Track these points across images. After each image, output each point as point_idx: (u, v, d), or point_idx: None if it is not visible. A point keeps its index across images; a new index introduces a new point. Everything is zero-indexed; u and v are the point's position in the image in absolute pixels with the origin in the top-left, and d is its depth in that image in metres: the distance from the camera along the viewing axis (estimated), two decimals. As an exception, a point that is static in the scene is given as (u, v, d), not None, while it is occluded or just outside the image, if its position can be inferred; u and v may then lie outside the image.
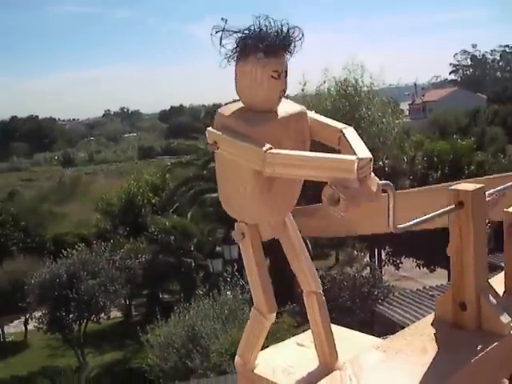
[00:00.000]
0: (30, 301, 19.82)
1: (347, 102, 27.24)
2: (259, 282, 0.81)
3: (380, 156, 24.85)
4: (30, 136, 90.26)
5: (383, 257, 25.69)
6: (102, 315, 20.59)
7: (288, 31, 0.79)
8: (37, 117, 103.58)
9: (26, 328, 22.68)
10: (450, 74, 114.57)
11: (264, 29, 0.78)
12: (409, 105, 79.24)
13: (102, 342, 20.96)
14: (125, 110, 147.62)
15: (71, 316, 19.50)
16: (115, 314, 22.92)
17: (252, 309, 0.85)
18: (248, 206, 0.85)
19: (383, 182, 0.80)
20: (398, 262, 25.08)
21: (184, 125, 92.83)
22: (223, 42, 0.81)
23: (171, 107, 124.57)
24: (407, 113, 71.95)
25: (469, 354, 0.73)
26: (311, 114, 0.90)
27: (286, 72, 0.85)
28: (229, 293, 14.62)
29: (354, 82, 27.74)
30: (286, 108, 0.82)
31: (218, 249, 18.95)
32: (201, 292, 17.26)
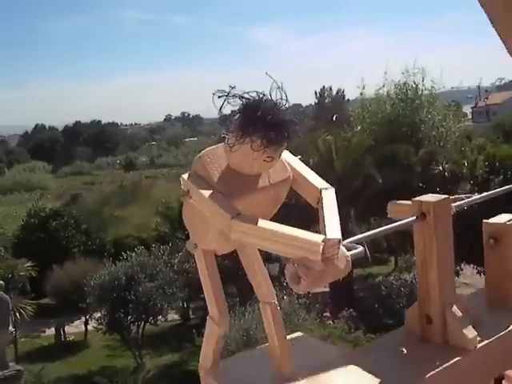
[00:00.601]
0: (89, 302, 20.25)
1: (407, 105, 26.96)
2: (211, 291, 0.82)
3: (440, 160, 24.45)
4: (93, 140, 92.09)
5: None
6: (160, 317, 20.85)
7: (291, 122, 0.77)
8: (100, 121, 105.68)
9: (86, 328, 23.14)
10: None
11: (269, 114, 0.77)
12: (471, 108, 77.74)
13: (159, 343, 21.19)
14: (186, 114, 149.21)
15: (129, 317, 19.83)
16: (173, 316, 23.16)
17: (208, 317, 0.86)
18: (208, 243, 0.85)
19: (354, 252, 0.79)
20: (459, 268, 24.59)
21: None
22: (224, 107, 0.81)
23: (231, 111, 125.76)
24: (470, 116, 70.66)
25: (429, 368, 0.71)
26: (296, 165, 0.89)
27: (280, 154, 0.84)
28: (285, 297, 14.62)
29: (414, 85, 27.43)
30: (271, 174, 0.80)
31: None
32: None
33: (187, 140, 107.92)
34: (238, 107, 0.79)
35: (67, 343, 23.12)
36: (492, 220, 0.91)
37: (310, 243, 0.76)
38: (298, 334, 0.89)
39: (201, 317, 23.01)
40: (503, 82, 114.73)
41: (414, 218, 0.78)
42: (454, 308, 0.78)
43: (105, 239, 31.06)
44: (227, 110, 0.85)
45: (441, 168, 23.65)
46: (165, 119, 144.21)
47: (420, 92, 27.20)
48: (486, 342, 0.78)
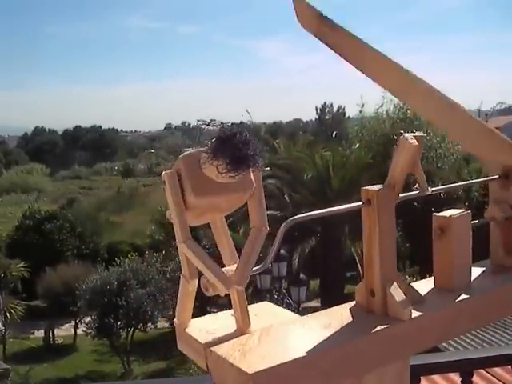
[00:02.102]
0: (80, 305, 20.29)
1: (406, 125, 27.17)
2: (185, 256, 0.93)
3: (436, 181, 24.62)
4: (93, 145, 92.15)
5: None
6: (150, 324, 20.87)
7: (254, 156, 0.89)
8: (100, 127, 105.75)
9: (75, 332, 23.13)
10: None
11: (236, 147, 0.89)
12: (471, 131, 78.35)
13: (147, 350, 21.21)
14: (186, 124, 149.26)
15: (119, 323, 19.86)
16: (163, 324, 23.17)
17: (181, 276, 0.97)
18: None
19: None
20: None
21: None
22: (204, 132, 0.92)
23: (232, 123, 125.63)
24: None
25: (366, 332, 0.83)
26: (257, 189, 1.00)
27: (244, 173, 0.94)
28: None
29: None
30: (238, 182, 0.92)
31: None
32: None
33: (186, 149, 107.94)
34: (216, 134, 0.92)
35: (56, 346, 23.10)
36: (439, 214, 1.03)
37: (218, 284, 0.90)
38: (265, 303, 1.02)
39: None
40: (503, 106, 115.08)
41: (361, 203, 0.90)
42: (395, 284, 0.89)
43: (99, 244, 31.13)
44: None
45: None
46: (165, 128, 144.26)
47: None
48: (420, 314, 0.89)
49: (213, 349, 0.84)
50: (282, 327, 0.89)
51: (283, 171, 25.15)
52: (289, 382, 0.78)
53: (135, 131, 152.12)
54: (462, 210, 0.98)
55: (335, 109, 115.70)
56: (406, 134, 0.94)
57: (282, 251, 19.23)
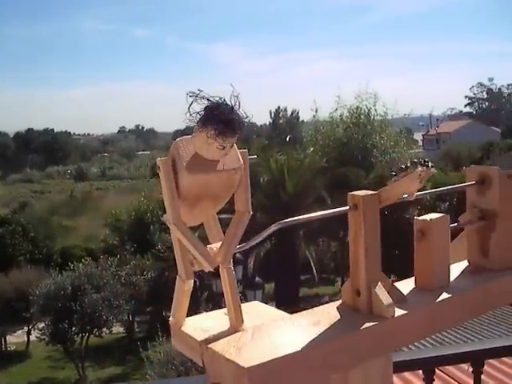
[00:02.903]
0: (33, 311, 19.99)
1: (360, 129, 27.53)
2: (180, 256, 0.97)
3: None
4: (45, 149, 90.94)
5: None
6: (105, 329, 20.69)
7: (240, 121, 0.94)
8: (52, 130, 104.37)
9: (28, 338, 22.77)
10: (465, 106, 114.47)
11: (223, 112, 0.94)
12: (422, 135, 79.52)
13: (102, 356, 21.02)
14: (140, 127, 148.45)
15: (74, 328, 19.63)
16: (118, 329, 22.99)
17: (177, 277, 1.01)
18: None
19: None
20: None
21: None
22: (192, 106, 0.96)
23: (186, 127, 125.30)
24: (421, 143, 72.19)
25: (353, 328, 0.88)
26: (244, 173, 1.04)
27: (232, 144, 0.98)
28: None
29: (366, 110, 28.03)
30: (226, 162, 0.97)
31: (222, 269, 19.04)
32: (204, 311, 17.35)
33: (140, 153, 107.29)
34: (203, 106, 0.96)
35: (8, 353, 22.72)
36: (421, 217, 1.08)
37: (203, 262, 0.96)
38: (255, 302, 1.06)
39: (145, 330, 22.92)
40: (454, 111, 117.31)
41: (348, 207, 0.95)
42: (379, 284, 0.94)
43: (52, 248, 30.71)
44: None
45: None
46: (118, 131, 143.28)
47: (372, 117, 27.82)
48: (403, 312, 0.94)
49: (209, 345, 0.88)
50: (273, 324, 0.94)
51: (238, 175, 25.28)
52: (281, 376, 0.83)
53: (88, 134, 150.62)
54: (441, 214, 1.04)
55: (289, 113, 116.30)
56: (420, 168, 0.99)
57: (237, 255, 19.34)
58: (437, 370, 2.75)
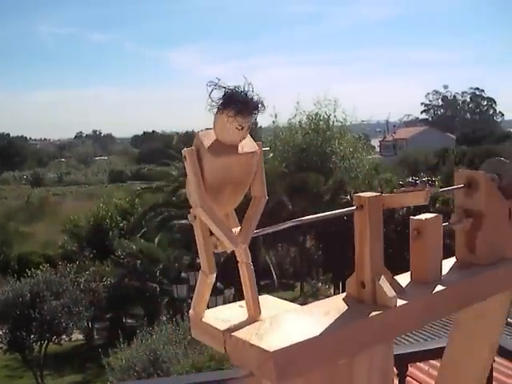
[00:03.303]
0: (-10, 319, 19.66)
1: (319, 136, 27.75)
2: (204, 251, 1.03)
3: (348, 190, 25.28)
4: (0, 153, 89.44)
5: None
6: (64, 337, 20.46)
7: (255, 102, 1.03)
8: (8, 135, 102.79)
9: (-16, 347, 22.38)
10: (421, 113, 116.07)
11: (240, 94, 1.03)
12: (379, 141, 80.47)
13: (62, 364, 20.77)
14: (97, 132, 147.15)
15: (32, 336, 19.37)
16: (77, 336, 22.75)
17: (200, 271, 1.07)
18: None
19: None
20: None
21: (156, 151, 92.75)
22: (212, 94, 1.04)
23: (144, 133, 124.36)
24: (378, 149, 73.07)
25: (360, 318, 0.97)
26: (259, 162, 1.12)
27: (249, 126, 1.07)
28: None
29: (326, 116, 28.28)
30: (243, 146, 1.05)
31: (183, 274, 19.01)
32: (164, 317, 17.31)
33: (97, 159, 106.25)
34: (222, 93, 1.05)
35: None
36: (416, 217, 1.18)
37: (226, 242, 1.03)
38: (266, 295, 1.13)
39: (105, 337, 22.75)
40: (410, 118, 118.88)
41: (355, 208, 1.03)
42: (382, 277, 1.02)
43: (9, 255, 30.30)
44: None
45: (349, 197, 24.39)
46: (75, 136, 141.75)
47: (332, 123, 28.07)
48: (404, 302, 1.03)
49: (232, 334, 0.95)
50: (288, 314, 1.02)
51: (199, 180, 25.27)
52: (300, 359, 0.91)
53: (45, 139, 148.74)
54: (434, 214, 1.13)
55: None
56: (427, 188, 1.07)
57: (198, 260, 19.31)
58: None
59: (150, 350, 13.15)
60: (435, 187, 1.08)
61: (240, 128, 1.03)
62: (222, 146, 1.04)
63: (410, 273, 1.14)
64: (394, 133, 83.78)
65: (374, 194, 1.04)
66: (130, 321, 24.09)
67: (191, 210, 1.06)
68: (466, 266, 1.20)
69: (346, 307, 1.00)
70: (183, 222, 25.03)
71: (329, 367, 0.99)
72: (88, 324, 23.55)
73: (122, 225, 29.83)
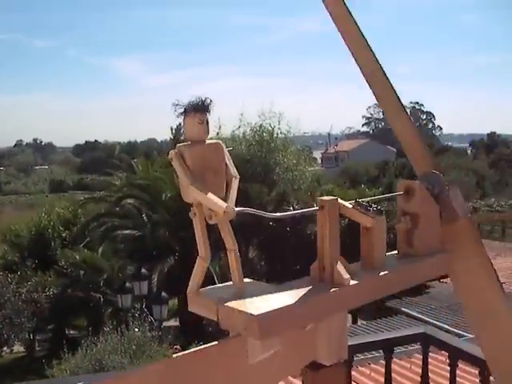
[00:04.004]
0: None
1: (263, 147, 28.05)
2: (202, 242, 1.25)
3: (291, 201, 25.67)
4: None
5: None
6: (5, 348, 20.22)
7: (206, 102, 1.29)
8: None
9: None
10: (362, 126, 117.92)
11: (195, 100, 1.29)
12: (322, 153, 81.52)
13: (2, 376, 20.47)
14: (38, 141, 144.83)
15: (-27, 348, 19.13)
16: (18, 348, 22.46)
17: (198, 258, 1.29)
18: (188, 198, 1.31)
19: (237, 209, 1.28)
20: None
21: (98, 160, 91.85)
22: (178, 108, 1.30)
23: (86, 142, 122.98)
24: (320, 161, 74.08)
25: (322, 292, 1.21)
26: (225, 151, 1.37)
27: (207, 121, 1.32)
28: (136, 329, 14.67)
29: (270, 128, 28.61)
30: (208, 141, 1.30)
31: (128, 284, 18.97)
32: (108, 328, 17.24)
33: (38, 168, 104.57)
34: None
35: None
36: None
37: (218, 207, 1.24)
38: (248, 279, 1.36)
39: (47, 348, 22.50)
40: (352, 130, 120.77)
41: (317, 208, 1.28)
42: (339, 262, 1.27)
43: None
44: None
45: (291, 208, 24.77)
46: (15, 144, 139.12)
47: (276, 135, 28.42)
48: (355, 282, 1.28)
49: (224, 304, 1.18)
50: (266, 289, 1.26)
51: (141, 191, 25.24)
52: (278, 322, 1.16)
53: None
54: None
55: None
56: (378, 218, 1.34)
57: (143, 270, 19.33)
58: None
59: (95, 359, 13.18)
60: (382, 216, 1.34)
61: (201, 122, 1.30)
62: (195, 142, 1.28)
63: (360, 262, 1.39)
64: (336, 145, 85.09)
65: (333, 198, 1.28)
66: (72, 332, 23.89)
67: (191, 208, 1.28)
68: (404, 256, 1.46)
69: (311, 285, 1.25)
70: (126, 232, 25.02)
71: (299, 330, 1.25)
72: (29, 335, 23.28)
73: (64, 235, 29.49)
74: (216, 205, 1.22)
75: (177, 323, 23.88)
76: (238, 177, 1.37)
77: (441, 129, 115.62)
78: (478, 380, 3.67)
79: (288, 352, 1.31)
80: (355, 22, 1.69)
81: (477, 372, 3.79)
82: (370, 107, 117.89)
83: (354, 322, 20.62)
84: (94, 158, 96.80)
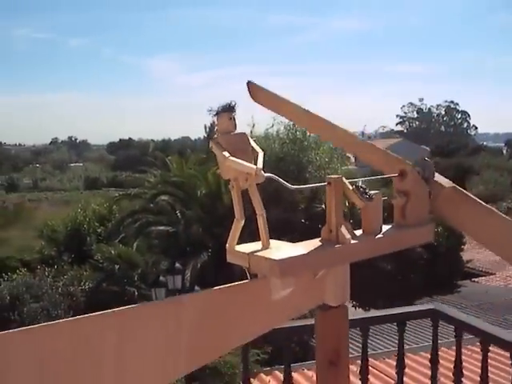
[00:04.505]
0: (-31, 322, 19.93)
1: (296, 145, 28.24)
2: (238, 204, 1.57)
3: (323, 200, 25.85)
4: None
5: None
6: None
7: (232, 104, 1.60)
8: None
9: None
10: (396, 125, 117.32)
11: (225, 104, 1.62)
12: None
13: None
14: (73, 139, 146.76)
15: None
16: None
17: (235, 219, 1.60)
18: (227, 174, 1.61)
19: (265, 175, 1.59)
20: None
21: (132, 158, 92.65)
22: (211, 113, 1.63)
23: (120, 140, 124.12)
24: (353, 160, 73.98)
25: (329, 248, 1.55)
26: (250, 137, 1.69)
27: (234, 117, 1.61)
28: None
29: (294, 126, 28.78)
30: (236, 132, 1.61)
31: (161, 278, 19.41)
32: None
33: (73, 165, 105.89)
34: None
35: None
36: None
37: (250, 169, 1.55)
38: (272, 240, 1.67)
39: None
40: (385, 129, 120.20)
41: (326, 183, 1.61)
42: (343, 226, 1.57)
43: (-15, 260, 30.45)
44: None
45: (323, 206, 24.94)
46: (51, 142, 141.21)
47: (309, 134, 28.58)
48: (356, 241, 1.59)
49: (254, 254, 1.54)
50: (285, 245, 1.62)
51: (176, 188, 25.61)
52: (294, 266, 1.52)
53: (19, 144, 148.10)
54: (377, 191, 1.70)
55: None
56: (367, 202, 1.67)
57: (177, 264, 19.75)
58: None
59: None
60: (372, 201, 1.65)
61: (230, 119, 1.61)
62: (227, 133, 1.60)
63: (361, 229, 1.71)
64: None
65: (338, 176, 1.61)
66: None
67: (229, 182, 1.60)
68: (398, 226, 1.79)
69: (321, 243, 1.57)
70: (161, 228, 25.45)
71: (310, 277, 1.61)
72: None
73: (99, 230, 30.16)
74: (249, 167, 1.54)
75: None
76: (262, 152, 1.68)
77: (476, 128, 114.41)
78: (479, 349, 4.02)
79: (302, 295, 1.67)
80: (288, 101, 2.27)
81: (478, 341, 4.18)
82: (404, 106, 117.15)
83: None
84: (128, 155, 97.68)
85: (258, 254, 1.54)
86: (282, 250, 1.53)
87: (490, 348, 4.19)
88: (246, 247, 1.58)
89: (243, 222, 1.59)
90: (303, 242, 1.59)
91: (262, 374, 8.58)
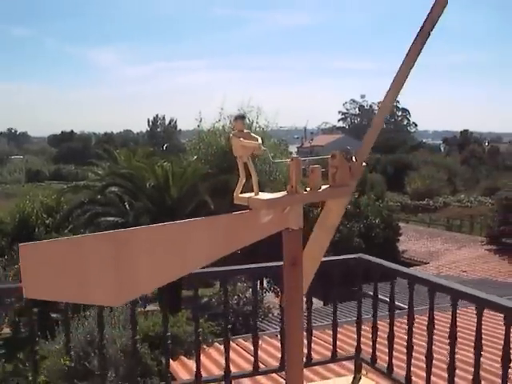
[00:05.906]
0: None
1: (241, 139, 29.16)
2: (242, 170, 2.58)
3: (267, 191, 26.77)
4: None
5: (265, 285, 27.16)
6: (-6, 327, 21.06)
7: (243, 114, 2.68)
8: None
9: None
10: (338, 121, 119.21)
11: (240, 114, 2.68)
12: (297, 148, 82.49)
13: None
14: (12, 130, 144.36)
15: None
16: (6, 330, 23.34)
17: (239, 178, 2.62)
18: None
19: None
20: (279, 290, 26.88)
21: (74, 151, 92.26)
22: (231, 119, 2.68)
23: (62, 132, 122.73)
24: (296, 155, 74.92)
25: (289, 195, 2.62)
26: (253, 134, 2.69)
27: (244, 122, 2.61)
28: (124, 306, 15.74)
29: (248, 122, 29.63)
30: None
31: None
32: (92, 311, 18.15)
33: (13, 157, 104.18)
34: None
35: None
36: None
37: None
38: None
39: (30, 330, 23.29)
40: (327, 125, 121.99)
41: (290, 160, 2.69)
42: (299, 185, 2.67)
43: None
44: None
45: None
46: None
47: (254, 129, 29.51)
48: (305, 192, 2.66)
49: (251, 197, 2.60)
50: (267, 193, 2.66)
51: (124, 180, 26.11)
52: (272, 203, 2.65)
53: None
54: (318, 165, 2.76)
55: (167, 122, 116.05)
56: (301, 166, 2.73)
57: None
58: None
59: (86, 332, 14.33)
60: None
61: (243, 122, 2.59)
62: (241, 131, 2.58)
63: (309, 187, 2.78)
64: (312, 139, 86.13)
65: (296, 156, 2.66)
66: (54, 315, 24.73)
67: (239, 158, 2.60)
68: (331, 186, 2.84)
69: (287, 193, 2.65)
70: (110, 219, 25.98)
71: (281, 211, 2.66)
72: (15, 317, 24.15)
73: (47, 222, 30.47)
74: (255, 143, 2.55)
75: (156, 307, 24.85)
76: (260, 138, 2.64)
77: (416, 125, 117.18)
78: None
79: (276, 220, 2.71)
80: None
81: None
82: (346, 103, 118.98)
83: (325, 304, 21.84)
84: (71, 148, 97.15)
85: (253, 197, 2.59)
86: (266, 195, 2.58)
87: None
88: (246, 194, 2.60)
89: (244, 180, 2.59)
90: (278, 193, 2.63)
91: (216, 343, 9.65)
